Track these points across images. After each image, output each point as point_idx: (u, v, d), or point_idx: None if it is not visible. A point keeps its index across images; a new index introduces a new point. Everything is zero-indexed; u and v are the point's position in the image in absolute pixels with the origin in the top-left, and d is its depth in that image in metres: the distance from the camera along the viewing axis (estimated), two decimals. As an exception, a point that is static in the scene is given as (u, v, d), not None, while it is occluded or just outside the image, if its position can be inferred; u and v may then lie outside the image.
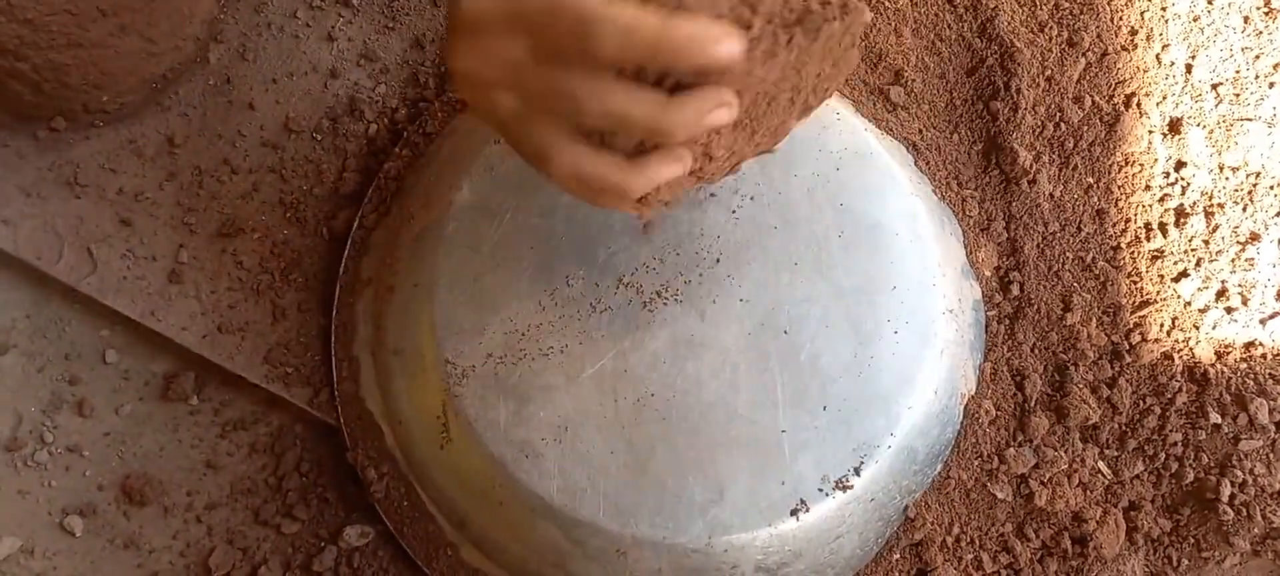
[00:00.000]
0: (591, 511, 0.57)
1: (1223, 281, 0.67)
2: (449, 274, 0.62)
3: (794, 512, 0.57)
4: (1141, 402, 0.65)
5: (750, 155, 0.47)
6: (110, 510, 0.66)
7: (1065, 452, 0.64)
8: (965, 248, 0.67)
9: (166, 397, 0.68)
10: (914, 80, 0.71)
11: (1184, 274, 0.67)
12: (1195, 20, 0.72)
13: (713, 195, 0.62)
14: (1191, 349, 0.66)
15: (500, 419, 0.59)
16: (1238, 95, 0.70)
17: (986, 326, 0.67)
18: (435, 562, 0.63)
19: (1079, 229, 0.69)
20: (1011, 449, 0.64)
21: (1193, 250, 0.68)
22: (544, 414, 0.58)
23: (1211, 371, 0.65)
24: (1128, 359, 0.66)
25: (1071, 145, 0.70)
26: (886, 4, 0.73)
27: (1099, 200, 0.69)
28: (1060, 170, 0.70)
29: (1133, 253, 0.68)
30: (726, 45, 0.38)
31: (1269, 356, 0.65)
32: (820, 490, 0.57)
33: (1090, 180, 0.70)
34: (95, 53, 0.66)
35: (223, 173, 0.72)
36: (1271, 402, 0.63)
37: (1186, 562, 0.63)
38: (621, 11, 0.38)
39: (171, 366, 0.69)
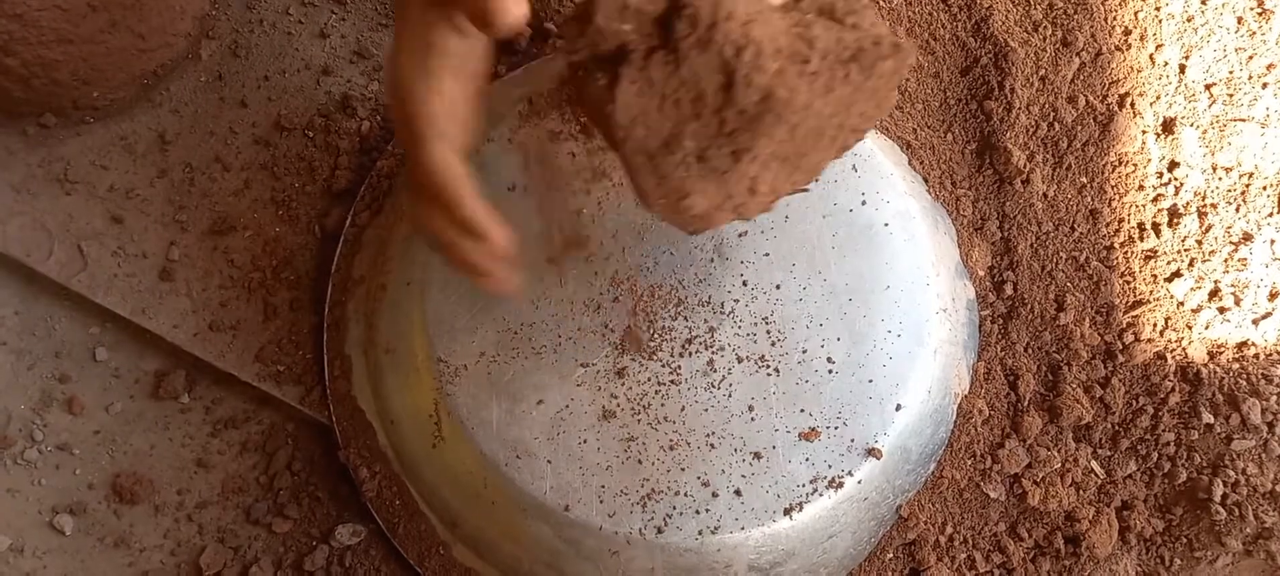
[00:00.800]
0: (584, 511, 0.57)
1: (1216, 281, 0.67)
2: (441, 272, 0.61)
3: (787, 512, 0.57)
4: (1134, 402, 0.65)
5: (787, 192, 0.49)
6: (100, 508, 0.66)
7: (1058, 452, 0.64)
8: (959, 247, 0.67)
9: (157, 396, 0.68)
10: (908, 79, 0.71)
11: (1177, 274, 0.67)
12: (1189, 20, 0.72)
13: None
14: (1184, 349, 0.66)
15: (493, 418, 0.58)
16: (1231, 96, 0.70)
17: (980, 326, 0.67)
18: (427, 562, 0.63)
19: (1072, 229, 0.69)
20: (1005, 448, 0.64)
21: (1186, 250, 0.68)
22: (536, 413, 0.58)
23: (1204, 371, 0.65)
24: (1121, 358, 0.66)
25: (1065, 145, 0.70)
26: (882, 3, 0.73)
27: (1092, 200, 0.69)
28: (1054, 170, 0.70)
29: (1126, 252, 0.68)
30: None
31: (1261, 356, 0.65)
32: (813, 489, 0.57)
33: (1084, 180, 0.70)
34: (86, 48, 0.65)
35: (214, 170, 0.71)
36: (1264, 402, 0.63)
37: (1179, 562, 0.63)
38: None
39: (162, 364, 0.69)
